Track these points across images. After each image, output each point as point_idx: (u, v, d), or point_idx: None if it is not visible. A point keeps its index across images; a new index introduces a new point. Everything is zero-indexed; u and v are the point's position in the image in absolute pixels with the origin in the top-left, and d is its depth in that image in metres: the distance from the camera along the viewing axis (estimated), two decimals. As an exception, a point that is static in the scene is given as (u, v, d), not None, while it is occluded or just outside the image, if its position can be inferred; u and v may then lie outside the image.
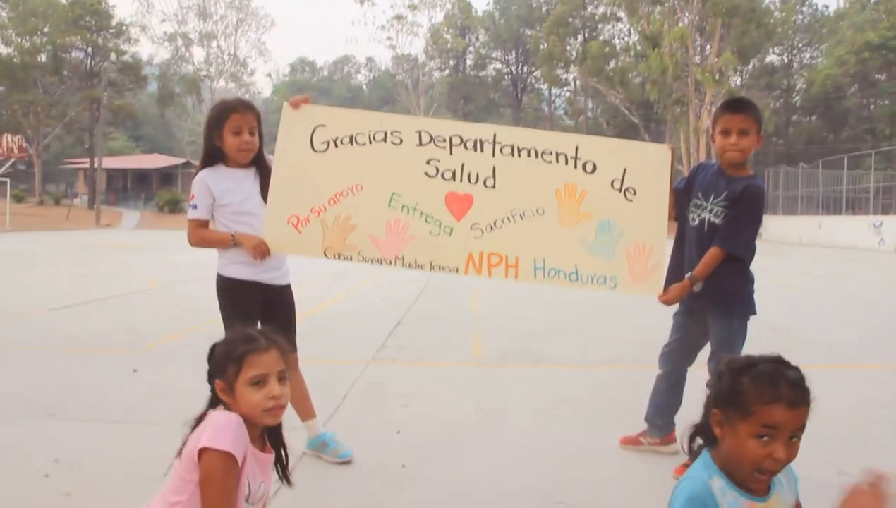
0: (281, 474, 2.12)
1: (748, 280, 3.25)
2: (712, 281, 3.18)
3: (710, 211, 3.23)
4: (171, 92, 61.11)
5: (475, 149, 3.30)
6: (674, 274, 3.30)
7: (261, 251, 3.19)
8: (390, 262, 3.28)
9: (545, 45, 57.20)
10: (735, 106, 3.20)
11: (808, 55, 63.72)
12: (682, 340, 3.46)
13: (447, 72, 68.52)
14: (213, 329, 2.54)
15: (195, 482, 1.89)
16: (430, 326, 7.52)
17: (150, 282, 11.90)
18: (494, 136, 3.31)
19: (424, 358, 5.90)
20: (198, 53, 63.29)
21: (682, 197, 3.38)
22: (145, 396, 4.49)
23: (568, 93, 66.74)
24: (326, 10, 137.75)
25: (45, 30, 56.53)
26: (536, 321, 7.97)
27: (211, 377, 2.00)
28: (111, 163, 58.46)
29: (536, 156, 3.27)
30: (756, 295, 3.31)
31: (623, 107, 52.29)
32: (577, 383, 5.05)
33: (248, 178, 3.32)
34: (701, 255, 3.20)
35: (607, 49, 52.72)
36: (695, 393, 2.08)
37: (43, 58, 57.81)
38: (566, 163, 3.25)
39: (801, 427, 1.68)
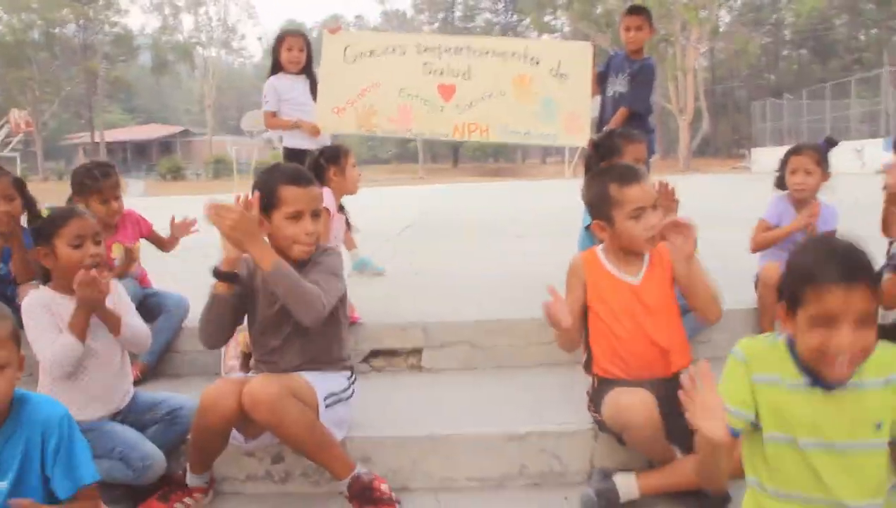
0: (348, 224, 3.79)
1: (648, 130, 4.72)
2: (622, 131, 4.65)
3: (619, 84, 4.71)
4: (164, 61, 61.87)
5: (456, 54, 4.76)
6: (598, 129, 4.79)
7: (315, 131, 4.72)
8: (403, 133, 4.80)
9: (532, -9, 57.81)
10: (632, 10, 4.71)
11: (795, -13, 63.98)
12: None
13: (437, 25, 69.10)
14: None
15: None
16: (432, 229, 9.06)
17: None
18: (469, 45, 4.79)
19: (430, 240, 7.45)
20: (187, 21, 64.27)
21: (602, 77, 4.86)
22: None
23: (558, 39, 67.47)
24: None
25: (35, 6, 57.18)
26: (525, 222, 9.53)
27: (321, 166, 3.57)
28: (110, 135, 59.55)
29: (498, 55, 4.73)
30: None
31: (611, 50, 53.07)
32: (552, 244, 6.56)
33: (301, 81, 4.89)
34: (614, 115, 4.70)
35: (593, -9, 53.36)
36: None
37: (35, 34, 58.55)
38: (519, 59, 4.71)
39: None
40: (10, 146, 41.15)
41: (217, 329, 2.51)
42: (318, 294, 2.34)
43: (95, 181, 3.48)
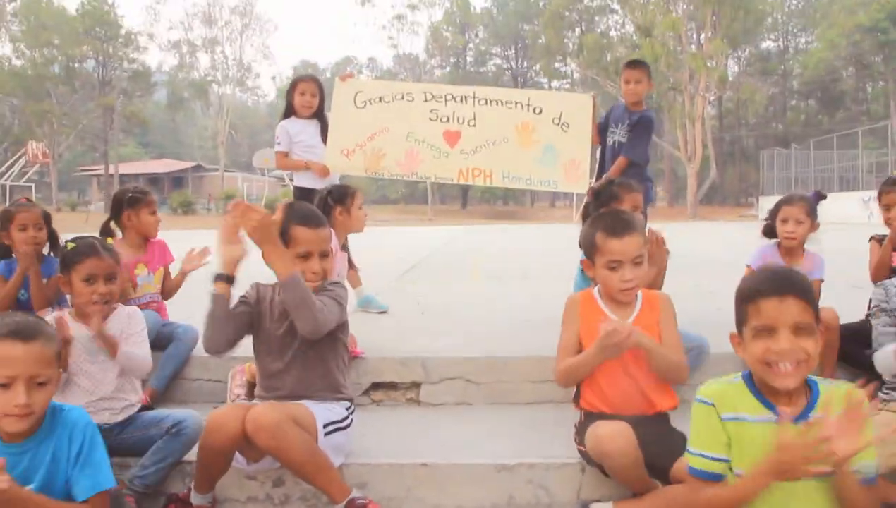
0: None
1: (646, 179, 4.89)
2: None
3: (619, 134, 4.89)
4: (180, 98, 62.91)
5: (462, 102, 4.97)
6: (598, 177, 4.96)
7: (324, 172, 4.92)
8: (409, 176, 4.97)
9: (543, 39, 58.79)
10: (631, 64, 4.91)
11: (803, 40, 64.86)
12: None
13: (448, 69, 70.09)
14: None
15: None
16: (437, 269, 9.21)
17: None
18: (474, 93, 5.00)
19: (434, 280, 7.59)
20: (203, 59, 65.54)
21: (603, 127, 5.05)
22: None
23: (567, 86, 68.27)
24: (328, 13, 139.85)
25: (56, 42, 58.37)
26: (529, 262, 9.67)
27: (328, 206, 3.84)
28: (123, 168, 60.23)
29: (502, 104, 4.94)
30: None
31: (620, 97, 53.46)
32: (553, 287, 6.71)
33: (312, 125, 5.08)
34: (614, 163, 4.87)
35: (604, 41, 54.21)
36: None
37: (56, 68, 59.69)
38: (522, 108, 4.92)
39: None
40: (27, 176, 41.89)
41: (218, 331, 2.66)
42: (321, 309, 2.53)
43: (145, 194, 3.93)
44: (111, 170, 54.00)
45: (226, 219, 2.60)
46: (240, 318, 2.71)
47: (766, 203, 40.92)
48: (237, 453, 2.53)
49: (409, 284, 7.21)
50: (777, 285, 1.89)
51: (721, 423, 1.96)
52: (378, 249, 13.00)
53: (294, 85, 5.13)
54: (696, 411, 2.01)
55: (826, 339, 3.29)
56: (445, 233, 23.35)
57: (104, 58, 61.46)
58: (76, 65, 60.65)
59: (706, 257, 10.15)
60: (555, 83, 68.42)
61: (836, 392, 1.93)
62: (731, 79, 50.52)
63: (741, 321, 1.95)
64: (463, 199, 61.79)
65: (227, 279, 2.63)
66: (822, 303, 2.99)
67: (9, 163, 42.67)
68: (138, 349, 2.90)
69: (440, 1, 62.56)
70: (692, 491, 2.02)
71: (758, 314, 1.88)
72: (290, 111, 5.12)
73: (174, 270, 4.05)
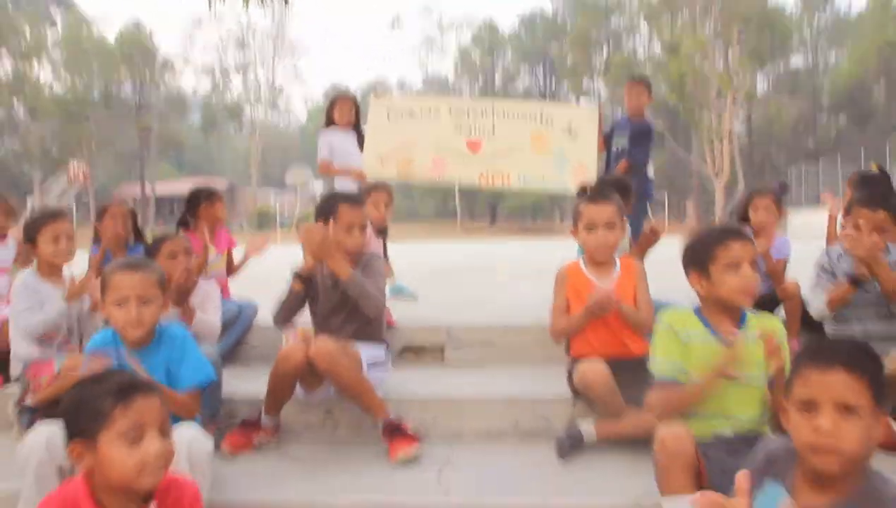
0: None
1: (647, 180, 5.52)
2: (626, 179, 5.46)
3: (622, 141, 5.54)
4: (213, 120, 64.54)
5: (482, 115, 5.67)
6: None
7: (361, 176, 5.63)
8: (436, 179, 5.70)
9: (570, 58, 59.53)
10: (633, 79, 5.56)
11: (833, 56, 64.74)
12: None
13: (476, 91, 70.85)
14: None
15: None
16: (462, 271, 9.85)
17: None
18: (493, 107, 5.70)
19: (460, 279, 8.25)
20: (236, 82, 67.10)
21: (609, 135, 5.71)
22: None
23: (595, 103, 68.67)
24: (358, 35, 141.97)
25: (96, 68, 60.21)
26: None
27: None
28: (159, 188, 61.81)
29: (518, 117, 5.63)
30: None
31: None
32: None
33: (350, 135, 5.82)
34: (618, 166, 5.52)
35: (630, 59, 54.74)
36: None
37: (95, 94, 61.57)
38: (535, 119, 5.60)
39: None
40: (67, 197, 43.38)
41: (287, 314, 3.50)
42: (378, 295, 3.29)
43: (216, 191, 4.82)
44: (147, 191, 55.44)
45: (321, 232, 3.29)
46: (301, 298, 3.47)
47: (795, 217, 41.07)
48: (297, 384, 3.21)
49: (436, 280, 7.87)
50: (739, 232, 2.56)
51: (678, 339, 2.59)
52: (407, 257, 13.68)
53: (334, 102, 5.91)
54: (659, 332, 2.65)
55: (789, 306, 3.92)
56: (474, 247, 24.03)
57: (141, 82, 63.34)
58: (114, 89, 62.50)
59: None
60: (583, 100, 68.97)
61: (757, 320, 2.59)
62: (759, 96, 50.67)
63: (705, 260, 2.53)
64: (492, 216, 62.32)
65: (304, 279, 3.37)
66: (790, 280, 3.69)
67: (47, 183, 44.10)
68: (210, 315, 3.67)
69: (468, 23, 63.69)
70: (660, 394, 2.60)
71: (728, 251, 2.48)
72: (329, 124, 5.87)
73: (236, 256, 4.80)
